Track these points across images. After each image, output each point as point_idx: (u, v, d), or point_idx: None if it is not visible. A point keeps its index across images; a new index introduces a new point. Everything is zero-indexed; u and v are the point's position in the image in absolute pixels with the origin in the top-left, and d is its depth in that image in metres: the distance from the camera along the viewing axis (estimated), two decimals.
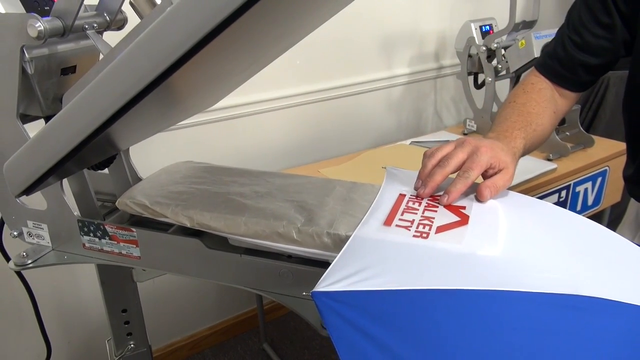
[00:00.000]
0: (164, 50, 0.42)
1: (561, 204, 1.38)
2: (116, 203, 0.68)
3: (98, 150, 0.61)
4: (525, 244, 0.55)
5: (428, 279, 0.48)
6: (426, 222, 0.58)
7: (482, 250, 0.52)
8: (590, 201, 1.47)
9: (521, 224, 0.59)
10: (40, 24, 0.53)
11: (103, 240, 0.68)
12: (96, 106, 0.46)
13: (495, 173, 0.64)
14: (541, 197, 1.32)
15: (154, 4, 0.57)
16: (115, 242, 0.67)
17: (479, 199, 0.61)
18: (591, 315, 0.44)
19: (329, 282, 0.49)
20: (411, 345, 0.44)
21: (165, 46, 0.41)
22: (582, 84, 0.86)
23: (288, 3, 0.47)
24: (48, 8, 0.60)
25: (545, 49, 0.90)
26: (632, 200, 0.93)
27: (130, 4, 0.57)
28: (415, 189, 0.65)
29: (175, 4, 0.41)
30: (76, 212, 0.68)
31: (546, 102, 0.82)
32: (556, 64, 0.85)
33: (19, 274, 0.74)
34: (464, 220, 0.58)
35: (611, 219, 1.64)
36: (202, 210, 0.64)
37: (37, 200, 0.67)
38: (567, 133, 1.48)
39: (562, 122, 1.53)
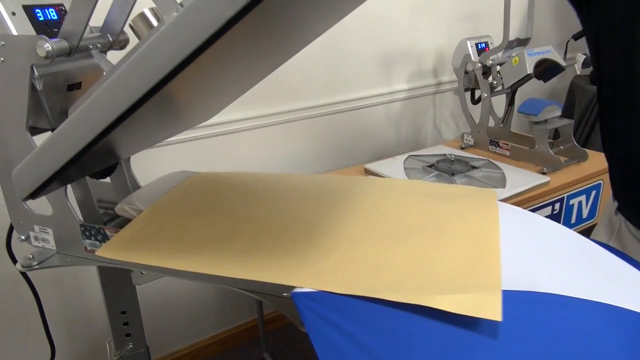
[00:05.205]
0: (154, 68, 0.46)
1: (555, 216, 1.41)
2: (115, 208, 0.73)
3: (99, 158, 0.66)
4: None
5: None
6: None
7: None
8: (585, 214, 1.49)
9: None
10: (48, 45, 0.59)
11: (103, 244, 0.72)
12: (94, 118, 0.51)
13: None
14: (534, 210, 1.35)
15: (152, 26, 0.62)
16: None
17: None
18: (542, 308, 0.47)
19: None
20: (383, 341, 0.48)
21: (154, 64, 0.46)
22: None
23: (270, 23, 0.52)
24: (56, 30, 0.66)
25: None
26: (606, 206, 0.93)
27: (130, 26, 0.62)
28: None
29: (164, 27, 0.46)
30: (79, 218, 0.73)
31: None
32: None
33: (24, 275, 0.79)
34: None
35: None
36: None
37: (43, 207, 0.73)
38: (561, 147, 1.51)
39: (557, 136, 1.56)
